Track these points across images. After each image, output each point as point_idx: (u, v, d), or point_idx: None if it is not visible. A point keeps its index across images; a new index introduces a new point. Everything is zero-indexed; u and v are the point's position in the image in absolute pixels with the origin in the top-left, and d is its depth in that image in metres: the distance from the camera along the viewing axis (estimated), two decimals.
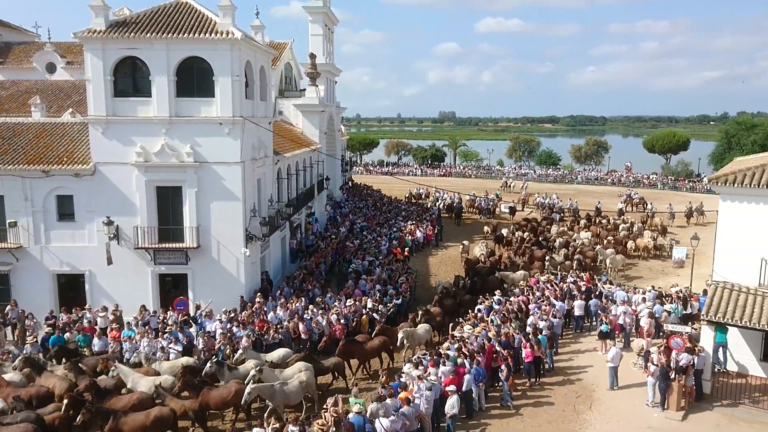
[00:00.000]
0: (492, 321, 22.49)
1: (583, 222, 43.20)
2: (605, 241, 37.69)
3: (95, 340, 21.95)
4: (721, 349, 20.05)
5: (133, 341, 20.98)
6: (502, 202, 51.99)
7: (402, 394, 16.45)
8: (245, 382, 17.12)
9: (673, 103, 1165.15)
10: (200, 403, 16.72)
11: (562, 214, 48.22)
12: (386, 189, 60.53)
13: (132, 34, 24.04)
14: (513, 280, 30.28)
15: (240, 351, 19.64)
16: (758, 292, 18.88)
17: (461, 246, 37.45)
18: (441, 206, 51.66)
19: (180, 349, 20.75)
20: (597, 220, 44.88)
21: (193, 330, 22.30)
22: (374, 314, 24.14)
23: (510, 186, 66.57)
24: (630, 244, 37.99)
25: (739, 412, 17.97)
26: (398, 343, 21.66)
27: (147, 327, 22.23)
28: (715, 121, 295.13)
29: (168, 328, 22.23)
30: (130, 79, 25.10)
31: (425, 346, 22.54)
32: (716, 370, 19.77)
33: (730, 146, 69.84)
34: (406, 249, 36.60)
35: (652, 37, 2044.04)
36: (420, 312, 24.08)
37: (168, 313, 23.74)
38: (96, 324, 23.36)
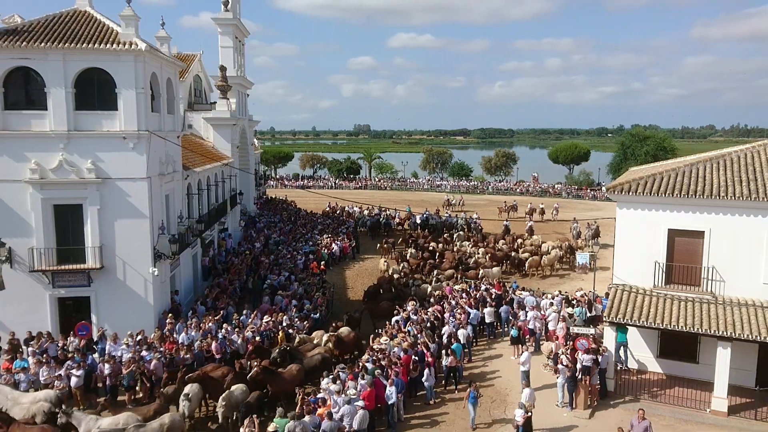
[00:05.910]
0: (409, 332, 22.72)
1: (501, 242, 42.79)
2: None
3: None
4: (622, 348, 21.28)
5: (27, 371, 19.56)
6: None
7: (320, 410, 16.32)
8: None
9: (574, 116, 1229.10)
10: None
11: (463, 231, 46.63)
12: (301, 203, 60.09)
13: (24, 43, 22.61)
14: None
15: None
16: (653, 293, 20.22)
17: (383, 261, 37.20)
18: (368, 223, 49.38)
19: (81, 373, 19.55)
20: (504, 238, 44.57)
21: (96, 356, 21.06)
22: (290, 330, 23.78)
23: (452, 202, 64.33)
24: (544, 260, 37.63)
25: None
26: (179, 410, 17.50)
27: (45, 355, 20.76)
28: (612, 133, 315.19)
29: (70, 354, 20.88)
30: (23, 91, 23.57)
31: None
32: (618, 368, 20.92)
33: (626, 157, 74.69)
34: (323, 263, 36.42)
35: (555, 54, 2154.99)
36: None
37: (69, 338, 22.30)
38: None
